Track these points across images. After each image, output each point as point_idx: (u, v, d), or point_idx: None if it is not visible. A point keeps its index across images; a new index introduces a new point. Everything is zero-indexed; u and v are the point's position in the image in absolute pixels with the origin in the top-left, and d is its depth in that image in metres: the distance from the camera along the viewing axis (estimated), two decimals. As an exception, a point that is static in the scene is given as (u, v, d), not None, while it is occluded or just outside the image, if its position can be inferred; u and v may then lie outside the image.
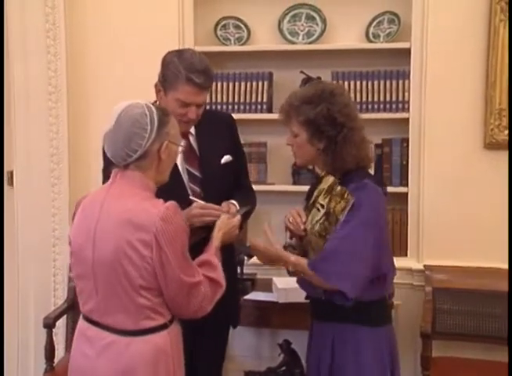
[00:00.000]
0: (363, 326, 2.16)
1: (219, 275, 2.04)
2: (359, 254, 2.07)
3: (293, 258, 2.19)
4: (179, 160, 2.32)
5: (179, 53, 2.34)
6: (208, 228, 2.23)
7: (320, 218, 2.17)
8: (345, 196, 2.11)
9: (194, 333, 2.27)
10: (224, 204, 2.34)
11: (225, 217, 2.21)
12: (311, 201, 2.30)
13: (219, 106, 3.44)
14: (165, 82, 2.32)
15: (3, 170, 3.50)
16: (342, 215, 2.10)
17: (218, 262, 2.07)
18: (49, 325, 3.04)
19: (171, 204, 1.91)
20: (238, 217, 2.27)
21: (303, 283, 2.29)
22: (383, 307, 2.24)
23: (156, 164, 1.96)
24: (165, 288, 1.90)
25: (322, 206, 2.19)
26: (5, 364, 3.42)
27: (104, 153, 2.13)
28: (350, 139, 2.14)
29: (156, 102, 2.31)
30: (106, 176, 2.16)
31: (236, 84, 3.46)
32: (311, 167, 3.43)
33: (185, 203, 2.27)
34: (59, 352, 3.26)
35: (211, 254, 2.08)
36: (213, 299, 2.00)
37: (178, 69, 2.27)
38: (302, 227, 2.24)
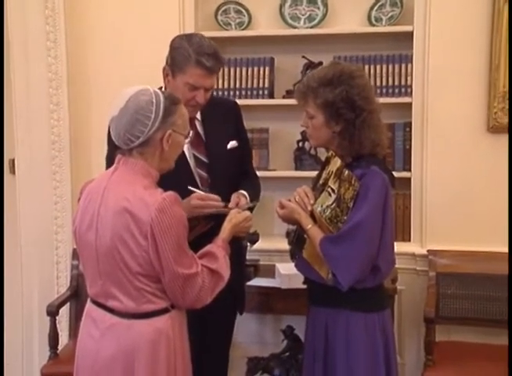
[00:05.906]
0: (356, 311, 2.15)
1: (221, 266, 2.02)
2: (369, 242, 2.06)
3: (309, 226, 2.14)
4: (186, 146, 2.30)
5: (188, 37, 2.34)
6: (213, 218, 2.21)
7: (332, 204, 2.12)
8: (353, 182, 2.08)
9: (202, 317, 2.27)
10: (234, 195, 2.33)
11: (236, 210, 2.19)
12: (321, 182, 2.22)
13: (220, 92, 3.41)
14: (174, 66, 2.30)
15: (3, 158, 3.50)
16: (351, 202, 2.07)
17: (223, 254, 2.05)
18: (53, 313, 3.06)
19: (169, 194, 1.90)
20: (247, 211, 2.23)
21: (301, 266, 2.27)
22: (378, 293, 2.22)
23: (160, 151, 1.96)
24: (162, 277, 1.91)
25: (333, 191, 2.13)
26: (9, 352, 3.44)
27: (109, 138, 2.13)
28: (369, 122, 2.12)
29: (161, 88, 2.28)
30: (109, 162, 2.15)
31: (237, 69, 3.43)
32: (313, 152, 3.42)
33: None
34: (63, 340, 3.28)
35: (217, 245, 2.07)
36: (213, 291, 1.99)
37: (188, 52, 2.26)
38: (309, 209, 2.17)
